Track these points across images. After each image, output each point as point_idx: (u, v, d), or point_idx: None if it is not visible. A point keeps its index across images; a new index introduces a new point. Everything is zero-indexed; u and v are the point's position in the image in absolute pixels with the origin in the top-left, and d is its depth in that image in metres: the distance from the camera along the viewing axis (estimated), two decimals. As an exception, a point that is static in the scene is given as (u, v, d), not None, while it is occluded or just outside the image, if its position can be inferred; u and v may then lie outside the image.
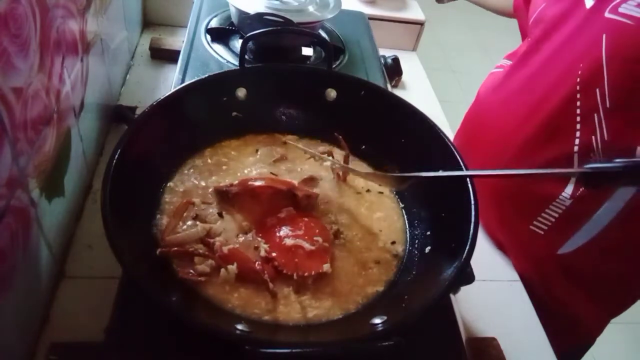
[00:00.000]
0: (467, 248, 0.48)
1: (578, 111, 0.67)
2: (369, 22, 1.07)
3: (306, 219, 0.58)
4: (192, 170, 0.62)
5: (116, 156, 0.49)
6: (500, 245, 0.82)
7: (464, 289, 0.62)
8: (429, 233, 0.60)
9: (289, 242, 0.55)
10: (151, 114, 0.57)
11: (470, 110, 0.97)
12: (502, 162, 0.78)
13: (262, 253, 0.54)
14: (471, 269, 0.61)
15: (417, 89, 1.14)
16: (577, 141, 0.68)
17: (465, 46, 3.24)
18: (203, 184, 0.61)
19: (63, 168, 0.60)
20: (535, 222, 0.75)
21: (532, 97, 0.74)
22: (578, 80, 0.66)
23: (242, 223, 0.57)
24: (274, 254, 0.53)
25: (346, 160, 0.65)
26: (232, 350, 0.39)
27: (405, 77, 1.11)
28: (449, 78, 2.88)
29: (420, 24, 1.24)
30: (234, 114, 0.67)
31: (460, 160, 0.58)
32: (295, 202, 0.59)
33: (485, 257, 0.79)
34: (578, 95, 0.66)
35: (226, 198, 0.58)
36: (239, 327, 0.44)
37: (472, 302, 0.69)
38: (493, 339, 0.64)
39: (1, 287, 0.44)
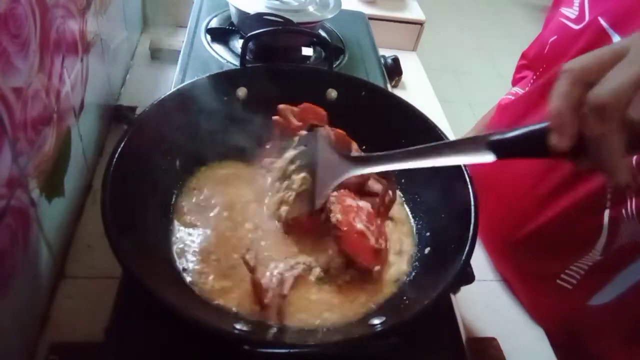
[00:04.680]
0: (467, 248, 0.48)
1: None
2: (369, 22, 1.08)
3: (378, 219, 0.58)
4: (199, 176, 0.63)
5: (116, 156, 0.50)
6: (520, 300, 0.75)
7: (464, 289, 0.62)
8: (428, 234, 0.60)
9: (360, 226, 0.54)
10: (151, 113, 0.57)
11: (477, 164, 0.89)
12: (518, 212, 0.71)
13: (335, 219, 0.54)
14: (471, 269, 0.61)
15: (417, 89, 1.14)
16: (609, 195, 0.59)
17: (465, 46, 3.24)
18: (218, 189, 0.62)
19: (63, 168, 0.60)
20: (562, 276, 0.67)
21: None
22: None
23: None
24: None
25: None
26: (231, 350, 0.39)
27: (405, 77, 1.11)
28: (449, 78, 2.88)
29: (420, 24, 1.24)
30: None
31: (460, 161, 0.58)
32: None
33: (485, 257, 0.79)
34: None
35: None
36: (238, 326, 0.44)
37: (472, 302, 0.69)
38: (493, 339, 0.64)
39: (1, 287, 0.44)
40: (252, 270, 0.49)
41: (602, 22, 0.62)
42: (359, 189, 0.62)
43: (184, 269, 0.53)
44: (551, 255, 0.69)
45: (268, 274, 0.52)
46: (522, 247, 0.71)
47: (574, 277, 0.66)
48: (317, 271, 0.53)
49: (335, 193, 0.58)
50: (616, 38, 0.60)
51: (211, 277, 0.52)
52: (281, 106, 0.62)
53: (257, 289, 0.49)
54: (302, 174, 0.56)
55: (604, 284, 0.64)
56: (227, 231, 0.57)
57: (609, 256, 0.61)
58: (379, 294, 0.54)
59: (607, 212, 0.59)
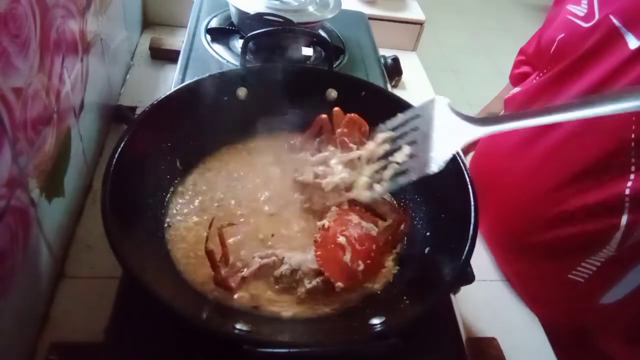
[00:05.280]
0: (466, 248, 0.48)
1: (633, 160, 0.58)
2: (369, 22, 1.08)
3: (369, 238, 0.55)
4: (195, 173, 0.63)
5: (116, 156, 0.50)
6: (526, 296, 0.74)
7: (464, 289, 0.62)
8: (428, 234, 0.60)
9: (341, 240, 0.53)
10: (151, 113, 0.57)
11: (480, 161, 0.86)
12: (528, 211, 0.70)
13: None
14: (471, 269, 0.61)
15: (417, 89, 1.14)
16: (627, 191, 0.58)
17: (465, 46, 3.24)
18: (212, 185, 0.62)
19: (63, 168, 0.60)
20: (574, 272, 0.67)
21: (573, 156, 0.64)
22: (633, 136, 0.57)
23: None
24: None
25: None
26: (231, 349, 0.39)
27: (405, 77, 1.11)
28: (449, 78, 2.88)
29: (420, 24, 1.24)
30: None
31: (460, 162, 0.58)
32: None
33: (485, 257, 0.79)
34: (632, 153, 0.58)
35: None
36: (238, 326, 0.44)
37: (472, 302, 0.69)
38: (493, 339, 0.64)
39: (1, 287, 0.44)
40: (207, 238, 0.50)
41: (614, 20, 0.62)
42: (366, 204, 0.61)
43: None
44: (564, 254, 0.68)
45: (243, 252, 0.53)
46: (534, 247, 0.71)
47: (586, 272, 0.66)
48: (284, 267, 0.52)
49: (345, 206, 0.59)
50: (629, 36, 0.60)
51: (189, 216, 0.56)
52: (336, 109, 0.63)
53: (209, 256, 0.49)
54: (405, 150, 0.54)
55: (616, 280, 0.64)
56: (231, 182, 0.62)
57: (623, 252, 0.61)
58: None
59: (626, 210, 0.59)
